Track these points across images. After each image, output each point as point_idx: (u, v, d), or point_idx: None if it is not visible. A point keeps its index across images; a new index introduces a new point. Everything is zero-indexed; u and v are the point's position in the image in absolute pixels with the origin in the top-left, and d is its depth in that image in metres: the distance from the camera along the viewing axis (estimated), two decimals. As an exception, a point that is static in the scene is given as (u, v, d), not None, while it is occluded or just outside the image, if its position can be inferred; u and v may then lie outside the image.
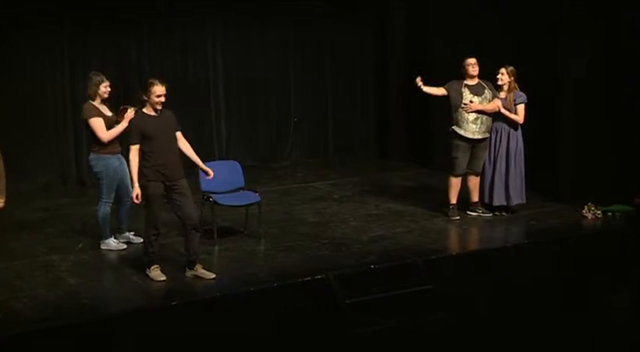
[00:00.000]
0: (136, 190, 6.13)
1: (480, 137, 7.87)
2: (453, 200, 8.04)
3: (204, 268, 6.40)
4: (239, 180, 7.55)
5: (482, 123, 7.84)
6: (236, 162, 7.81)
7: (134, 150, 6.15)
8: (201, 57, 10.65)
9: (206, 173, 6.64)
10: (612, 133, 8.38)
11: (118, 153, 7.01)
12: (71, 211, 8.51)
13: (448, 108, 7.99)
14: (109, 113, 6.99)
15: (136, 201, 6.19)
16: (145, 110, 6.24)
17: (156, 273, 6.29)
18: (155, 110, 6.20)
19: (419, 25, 11.04)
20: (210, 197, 7.22)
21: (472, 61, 7.88)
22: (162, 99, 6.18)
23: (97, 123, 6.84)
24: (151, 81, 6.20)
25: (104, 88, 6.95)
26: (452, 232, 7.74)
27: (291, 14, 10.97)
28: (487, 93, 7.89)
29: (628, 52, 8.20)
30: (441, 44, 10.48)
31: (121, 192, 7.05)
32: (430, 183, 9.62)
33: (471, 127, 7.83)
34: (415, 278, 6.47)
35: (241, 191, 7.53)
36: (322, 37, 11.39)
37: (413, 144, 11.35)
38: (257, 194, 7.50)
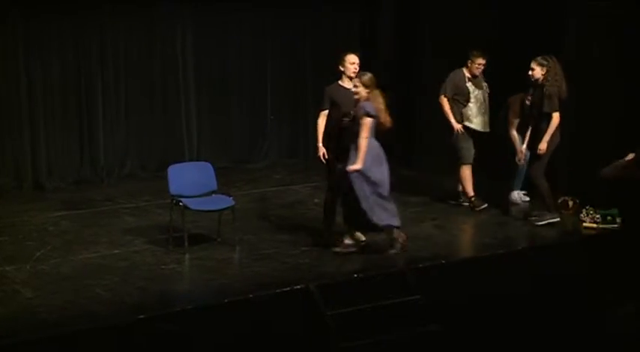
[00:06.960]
0: (321, 149, 7.31)
1: (487, 131, 8.45)
2: (472, 191, 8.49)
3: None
4: (211, 182, 7.55)
5: (487, 116, 8.44)
6: (208, 164, 7.80)
7: (323, 116, 7.34)
8: (169, 47, 10.48)
9: None
10: (615, 131, 8.47)
11: None
12: (27, 218, 8.40)
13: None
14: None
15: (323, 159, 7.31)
16: (340, 82, 7.32)
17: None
18: (350, 79, 7.14)
19: (409, 16, 11.04)
20: (180, 201, 7.24)
21: (483, 61, 8.33)
22: (357, 67, 7.18)
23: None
24: (345, 52, 7.30)
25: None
26: (440, 238, 7.78)
27: (269, 2, 10.93)
28: (485, 84, 8.39)
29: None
30: (432, 38, 10.49)
31: None
32: (413, 185, 9.45)
33: (479, 121, 8.40)
34: (402, 288, 6.54)
35: (214, 195, 7.54)
36: (302, 25, 11.30)
37: (394, 144, 11.30)
38: (231, 198, 7.53)
